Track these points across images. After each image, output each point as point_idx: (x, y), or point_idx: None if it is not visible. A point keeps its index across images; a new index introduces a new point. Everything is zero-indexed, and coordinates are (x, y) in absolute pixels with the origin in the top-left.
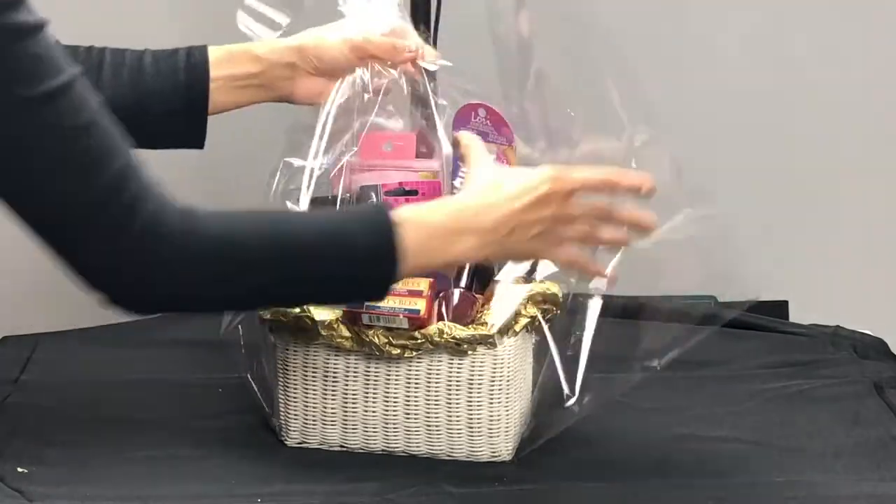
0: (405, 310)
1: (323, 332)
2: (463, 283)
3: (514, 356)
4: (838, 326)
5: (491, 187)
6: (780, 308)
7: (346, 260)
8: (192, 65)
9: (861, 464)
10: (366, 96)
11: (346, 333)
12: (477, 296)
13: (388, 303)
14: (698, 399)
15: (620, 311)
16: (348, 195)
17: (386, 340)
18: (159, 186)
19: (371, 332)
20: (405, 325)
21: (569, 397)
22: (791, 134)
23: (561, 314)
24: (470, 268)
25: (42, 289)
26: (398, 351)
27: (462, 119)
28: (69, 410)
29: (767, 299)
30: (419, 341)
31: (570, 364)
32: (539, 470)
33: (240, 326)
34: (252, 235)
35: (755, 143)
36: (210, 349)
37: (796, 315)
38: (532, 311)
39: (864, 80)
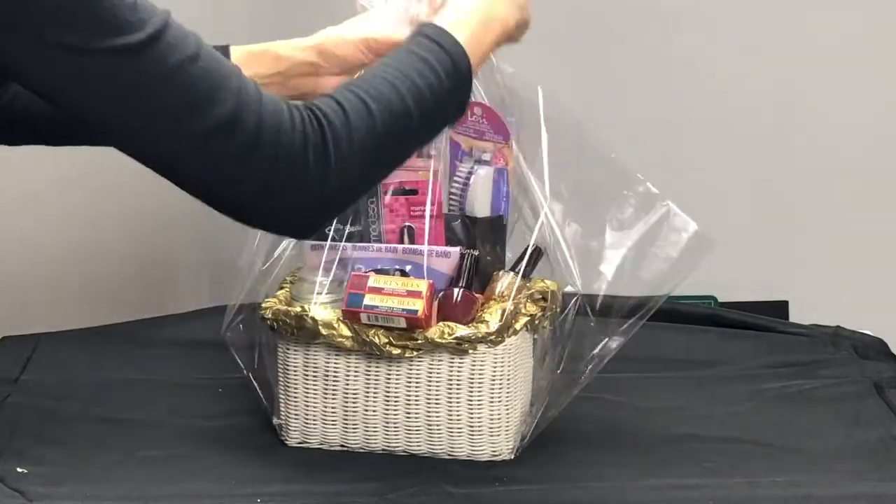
0: (403, 310)
1: (324, 332)
2: (463, 282)
3: (515, 354)
4: (838, 326)
5: None
6: (780, 308)
7: (436, 83)
8: None
9: (861, 464)
10: None
11: (347, 333)
12: (477, 295)
13: (387, 302)
14: (698, 399)
15: (623, 311)
16: None
17: (386, 340)
18: (270, 97)
19: (371, 332)
20: (403, 325)
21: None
22: (791, 134)
23: (559, 311)
24: (469, 268)
25: (42, 289)
26: (398, 351)
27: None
28: (69, 410)
29: (767, 299)
30: (420, 342)
31: None
32: (539, 470)
33: (241, 325)
34: (369, 116)
35: (755, 143)
36: (210, 349)
37: (796, 315)
38: (532, 309)
39: (864, 81)
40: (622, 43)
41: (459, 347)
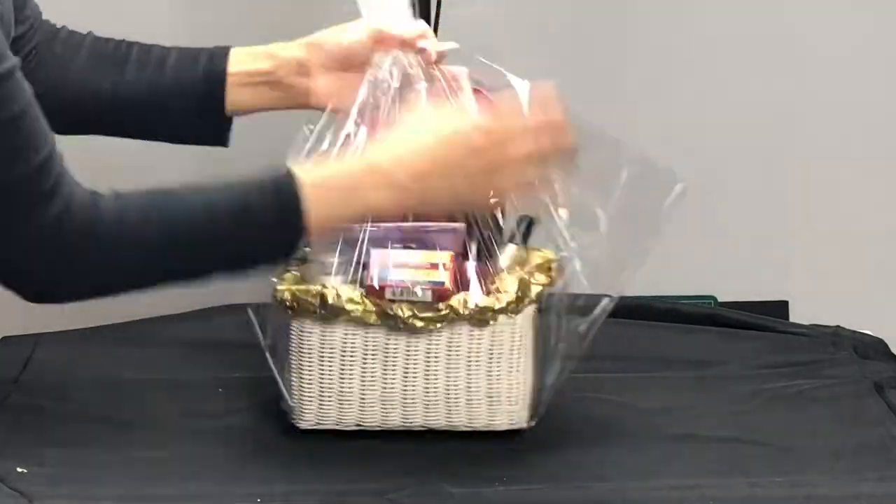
0: (429, 282)
1: (349, 308)
2: (473, 253)
3: (530, 324)
4: (838, 326)
5: (410, 135)
6: (780, 308)
7: (250, 235)
8: (212, 66)
9: (861, 464)
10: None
11: (372, 308)
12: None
13: (411, 275)
14: (698, 399)
15: (623, 311)
16: None
17: (410, 313)
18: (70, 177)
19: (395, 306)
20: (428, 298)
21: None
22: (791, 134)
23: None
24: (478, 238)
25: None
26: (422, 324)
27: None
28: (69, 410)
29: (767, 299)
30: (443, 313)
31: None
32: (539, 469)
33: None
34: (157, 221)
35: (756, 143)
36: (210, 349)
37: (796, 315)
38: (542, 279)
39: (864, 81)
40: (622, 42)
41: (481, 318)
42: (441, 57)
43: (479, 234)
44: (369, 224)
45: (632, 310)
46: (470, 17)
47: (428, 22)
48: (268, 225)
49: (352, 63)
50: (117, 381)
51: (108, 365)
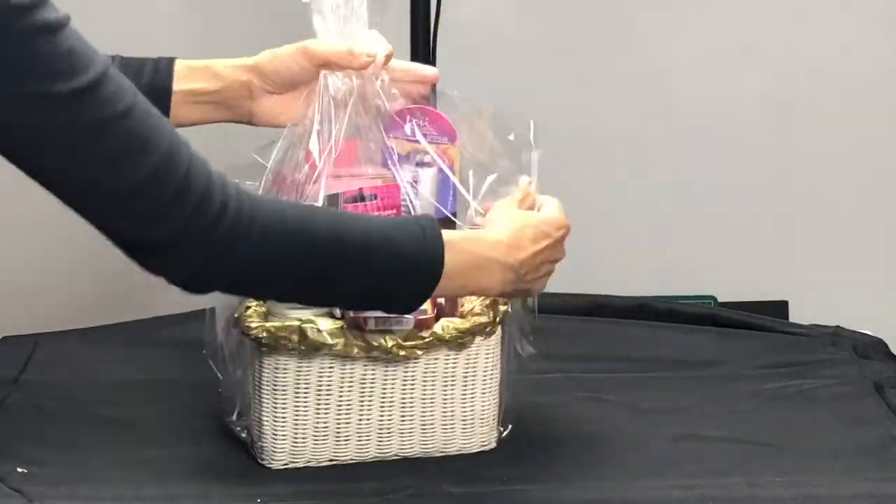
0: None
1: (331, 342)
2: None
3: (498, 342)
4: (838, 326)
5: (519, 227)
6: (780, 308)
7: (392, 268)
8: (156, 78)
9: (861, 464)
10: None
11: (354, 341)
12: None
13: None
14: (698, 399)
15: (621, 311)
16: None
17: (394, 343)
18: (201, 162)
19: (378, 337)
20: (411, 327)
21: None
22: (791, 134)
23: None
24: None
25: (42, 289)
26: (406, 353)
27: (394, 124)
28: (69, 410)
29: (767, 299)
30: (427, 340)
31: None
32: (539, 470)
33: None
34: (304, 228)
35: (756, 143)
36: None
37: (796, 315)
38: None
39: (864, 82)
40: (622, 43)
41: (461, 341)
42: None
43: None
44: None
45: (632, 310)
46: (469, 18)
47: (427, 22)
48: (407, 266)
49: (295, 86)
50: (117, 381)
51: (108, 365)
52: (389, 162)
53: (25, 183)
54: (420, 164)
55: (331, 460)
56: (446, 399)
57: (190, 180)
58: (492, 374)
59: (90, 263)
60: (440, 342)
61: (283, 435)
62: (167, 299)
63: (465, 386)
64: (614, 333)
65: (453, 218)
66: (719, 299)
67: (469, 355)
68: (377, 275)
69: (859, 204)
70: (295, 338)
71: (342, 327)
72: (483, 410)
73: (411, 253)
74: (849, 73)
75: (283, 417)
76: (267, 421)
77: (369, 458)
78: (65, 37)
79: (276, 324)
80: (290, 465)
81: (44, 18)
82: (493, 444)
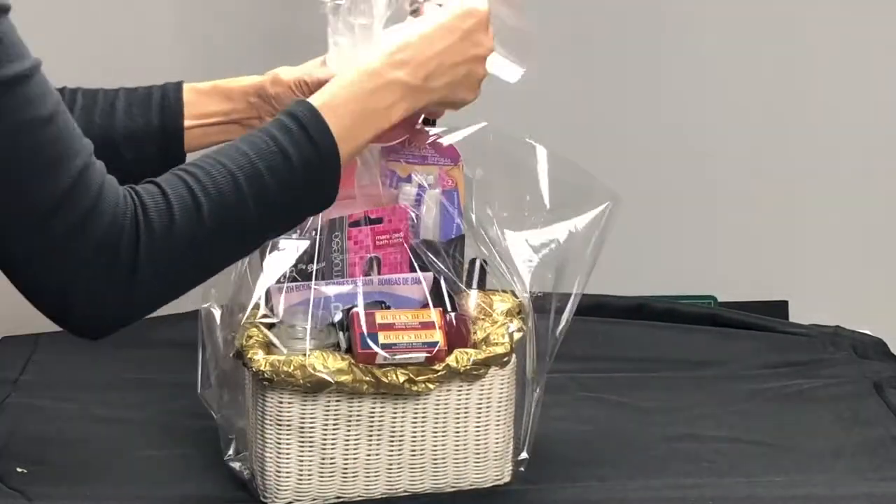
0: (423, 344)
1: (339, 379)
2: (449, 305)
3: (513, 372)
4: (838, 326)
5: (406, 37)
6: (780, 308)
7: (288, 177)
8: (166, 107)
9: (861, 464)
10: None
11: (362, 376)
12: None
13: (403, 339)
14: (698, 399)
15: (621, 311)
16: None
17: (406, 377)
18: (112, 182)
19: (389, 372)
20: (421, 360)
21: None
22: (791, 134)
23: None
24: (447, 291)
25: None
26: (418, 388)
27: (392, 147)
28: (69, 410)
29: (767, 299)
30: (441, 373)
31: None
32: (539, 470)
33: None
34: (207, 207)
35: (756, 143)
36: None
37: (796, 315)
38: (518, 323)
39: (864, 81)
40: (622, 43)
41: (476, 373)
42: None
43: (443, 281)
44: (341, 282)
45: (632, 310)
46: None
47: None
48: (308, 162)
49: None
50: (117, 381)
51: (107, 365)
52: (389, 184)
53: None
54: (422, 187)
55: (337, 497)
56: (458, 432)
57: (97, 205)
58: (506, 405)
59: None
60: (453, 374)
61: (287, 473)
62: None
63: (479, 418)
64: (614, 333)
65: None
66: (719, 299)
67: (483, 386)
68: (282, 198)
69: (859, 204)
70: (299, 374)
71: (350, 363)
72: (497, 443)
73: (300, 153)
74: (850, 73)
75: (288, 454)
76: (270, 458)
77: (377, 495)
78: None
79: (280, 358)
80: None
81: None
82: (508, 478)
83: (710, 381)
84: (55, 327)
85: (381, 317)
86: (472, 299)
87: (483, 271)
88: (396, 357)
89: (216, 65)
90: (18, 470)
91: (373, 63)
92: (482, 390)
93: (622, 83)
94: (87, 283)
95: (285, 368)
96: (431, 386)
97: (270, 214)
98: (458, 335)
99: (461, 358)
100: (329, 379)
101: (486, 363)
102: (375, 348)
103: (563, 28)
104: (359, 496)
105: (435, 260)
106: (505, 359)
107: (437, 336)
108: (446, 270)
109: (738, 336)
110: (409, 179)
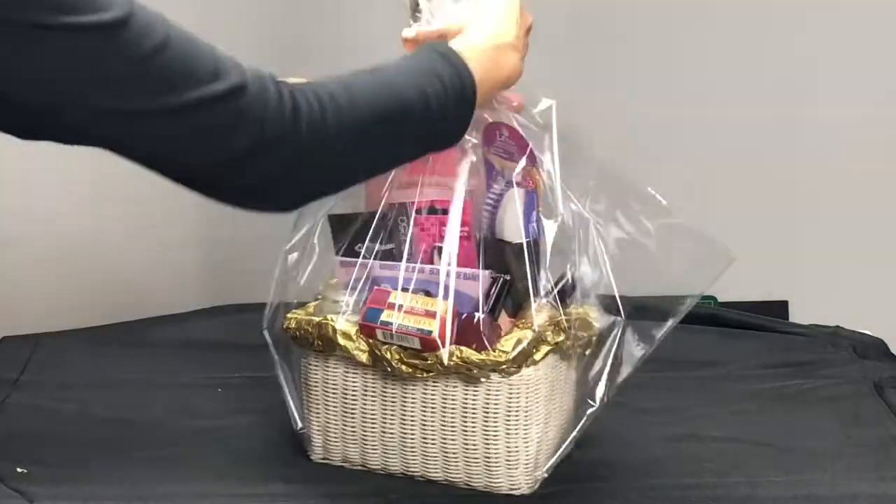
0: (418, 329)
1: (341, 342)
2: (488, 307)
3: (536, 386)
4: (838, 326)
5: (497, 4)
6: (780, 308)
7: (439, 95)
8: None
9: (861, 464)
10: None
11: (364, 347)
12: (508, 321)
13: (403, 320)
14: (698, 399)
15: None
16: (378, 211)
17: (398, 357)
18: (254, 74)
19: (384, 348)
20: (416, 346)
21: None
22: (791, 134)
23: (596, 342)
24: (499, 293)
25: (42, 289)
26: (409, 370)
27: (488, 138)
28: (69, 410)
29: (767, 299)
30: (429, 362)
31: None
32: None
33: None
34: (363, 103)
35: (756, 143)
36: (210, 349)
37: (796, 315)
38: (557, 338)
39: (864, 82)
40: (623, 43)
41: (470, 374)
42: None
43: (505, 286)
44: (394, 266)
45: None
46: None
47: None
48: (452, 89)
49: None
50: (117, 381)
51: (108, 365)
52: (488, 177)
53: (26, 182)
54: (510, 184)
55: (362, 465)
56: (466, 431)
57: (245, 95)
58: (517, 416)
59: (90, 263)
60: (444, 369)
61: (318, 430)
62: (166, 300)
63: (487, 422)
64: None
65: (536, 242)
66: (719, 299)
67: (490, 391)
68: (433, 114)
69: (859, 204)
70: (314, 332)
71: (356, 332)
72: (510, 451)
73: (450, 80)
74: (850, 73)
75: (317, 412)
76: (306, 413)
77: (397, 472)
78: None
79: (304, 317)
80: (326, 461)
81: None
82: (527, 490)
83: (710, 381)
84: (55, 327)
85: (393, 297)
86: (542, 310)
87: (567, 287)
88: (392, 335)
89: None
90: (18, 470)
91: (498, 27)
92: (489, 396)
93: (619, 81)
94: (248, 168)
95: (305, 326)
96: (423, 374)
97: (413, 133)
98: (473, 335)
99: (455, 354)
100: (335, 339)
101: (481, 366)
102: (375, 323)
103: (561, 28)
104: (380, 469)
105: (501, 260)
106: (504, 367)
107: (433, 326)
108: (510, 274)
109: (738, 336)
110: (502, 173)
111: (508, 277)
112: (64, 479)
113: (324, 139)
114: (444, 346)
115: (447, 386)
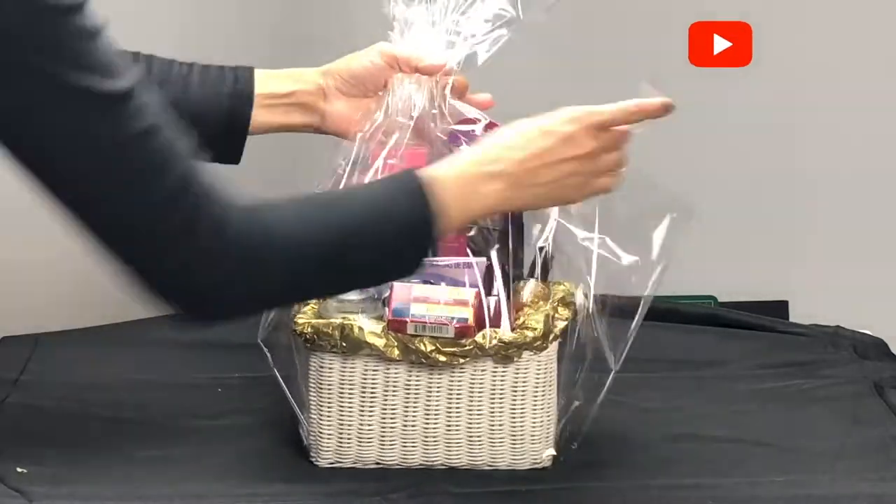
0: (452, 318)
1: (370, 341)
2: (496, 289)
3: (555, 360)
4: (838, 326)
5: (511, 132)
6: (780, 308)
7: (390, 236)
8: (238, 91)
9: (861, 464)
10: (398, 119)
11: (394, 342)
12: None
13: (434, 311)
14: (698, 399)
15: (619, 311)
16: None
17: (433, 348)
18: (222, 185)
19: (417, 340)
20: (451, 335)
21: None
22: (791, 134)
23: (579, 315)
24: (500, 273)
25: (42, 289)
26: (445, 359)
27: (455, 137)
28: (69, 410)
29: (767, 299)
30: (467, 348)
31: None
32: (538, 470)
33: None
34: (311, 231)
35: (756, 143)
36: (210, 349)
37: (796, 315)
38: (566, 313)
39: (864, 82)
40: (623, 40)
41: (506, 354)
42: (463, 90)
43: (500, 269)
44: None
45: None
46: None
47: None
48: (403, 227)
49: (367, 88)
50: (117, 381)
51: (108, 365)
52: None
53: (26, 182)
54: None
55: (377, 463)
56: (493, 412)
57: (199, 209)
58: (544, 391)
59: (90, 263)
60: (482, 352)
61: (329, 434)
62: None
63: (515, 401)
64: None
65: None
66: (719, 299)
67: (518, 370)
68: (378, 253)
69: (860, 204)
70: (337, 335)
71: (384, 329)
72: (535, 427)
73: (404, 218)
74: (850, 73)
75: (329, 416)
76: (314, 419)
77: (415, 465)
78: (102, 41)
79: (321, 320)
80: (336, 465)
81: (83, 22)
82: (548, 463)
83: (710, 381)
84: (55, 327)
85: (417, 290)
86: (528, 288)
87: (546, 261)
88: (425, 328)
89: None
90: (18, 470)
91: (484, 150)
92: (517, 374)
93: (621, 82)
94: (198, 273)
95: (325, 330)
96: (461, 360)
97: (364, 270)
98: (495, 318)
99: (489, 336)
100: (363, 339)
101: (517, 345)
102: (405, 317)
103: (562, 28)
104: (397, 464)
105: (492, 246)
106: (537, 343)
107: (467, 312)
108: (503, 256)
109: (738, 336)
110: None
111: (501, 262)
112: (64, 479)
113: (263, 261)
114: (475, 332)
115: (475, 370)
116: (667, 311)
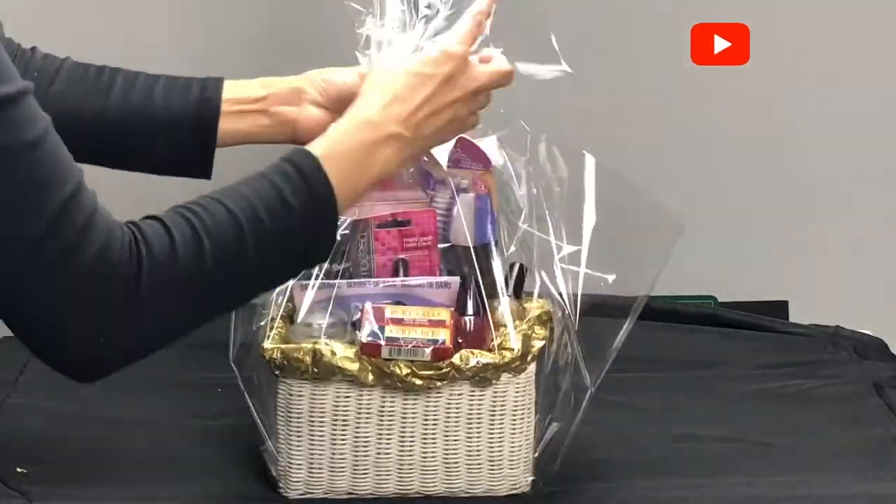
0: (429, 340)
1: (343, 366)
2: (470, 308)
3: (532, 382)
4: (838, 326)
5: (389, 79)
6: (780, 308)
7: (288, 225)
8: (204, 99)
9: (861, 464)
10: None
11: (367, 367)
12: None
13: (410, 333)
14: (698, 399)
15: (621, 311)
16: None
17: (409, 371)
18: (105, 211)
19: (392, 364)
20: (428, 357)
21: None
22: (792, 134)
23: (555, 331)
24: (474, 292)
25: None
26: (422, 382)
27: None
28: (69, 410)
29: (767, 299)
30: (444, 370)
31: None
32: (538, 470)
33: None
34: (208, 247)
35: (756, 143)
36: (210, 349)
37: (796, 315)
38: (542, 332)
39: (864, 82)
40: (623, 42)
41: (483, 376)
42: None
43: (472, 286)
44: (364, 283)
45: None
46: None
47: None
48: (307, 211)
49: (343, 103)
50: (117, 381)
51: None
52: (427, 187)
53: None
54: (459, 190)
55: (349, 493)
56: (471, 437)
57: (83, 237)
58: (522, 414)
59: None
60: (459, 375)
61: (299, 464)
62: None
63: (493, 424)
64: (614, 333)
65: (493, 246)
66: (719, 299)
67: (497, 392)
68: (283, 248)
69: (860, 204)
70: (308, 360)
71: (356, 353)
72: (513, 451)
73: (301, 203)
74: (850, 73)
75: (299, 445)
76: (283, 448)
77: (389, 494)
78: None
79: (290, 346)
80: (307, 496)
81: None
82: (526, 488)
83: (710, 381)
84: None
85: (391, 311)
86: (504, 305)
87: (520, 278)
88: (401, 352)
89: (213, 71)
90: (18, 470)
91: (371, 114)
92: (495, 396)
93: (621, 81)
94: (78, 317)
95: (295, 355)
96: (438, 384)
97: (270, 261)
98: (476, 339)
99: (467, 358)
100: (335, 365)
101: (495, 367)
102: (379, 340)
103: (562, 28)
104: (370, 494)
105: (465, 265)
106: (515, 364)
107: (444, 334)
108: (476, 275)
109: (738, 336)
110: (444, 183)
111: (477, 280)
112: (64, 479)
113: (148, 301)
114: (452, 353)
115: (451, 394)
116: (667, 311)
